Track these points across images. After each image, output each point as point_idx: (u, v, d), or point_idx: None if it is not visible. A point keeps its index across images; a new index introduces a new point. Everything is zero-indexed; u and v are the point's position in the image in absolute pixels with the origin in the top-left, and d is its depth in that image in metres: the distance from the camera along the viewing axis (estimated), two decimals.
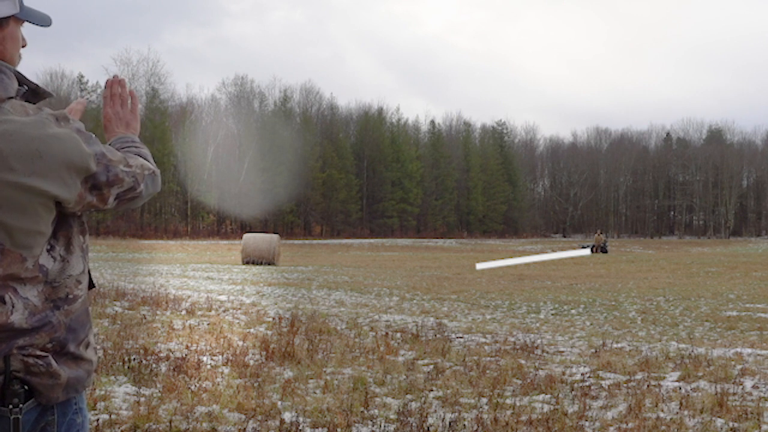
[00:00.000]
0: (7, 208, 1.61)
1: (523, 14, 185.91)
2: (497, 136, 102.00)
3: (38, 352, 1.68)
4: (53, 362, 1.70)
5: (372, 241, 68.99)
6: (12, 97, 1.69)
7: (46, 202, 1.65)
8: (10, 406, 1.67)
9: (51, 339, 1.70)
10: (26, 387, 1.69)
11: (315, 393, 6.05)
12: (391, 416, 5.30)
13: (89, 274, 1.85)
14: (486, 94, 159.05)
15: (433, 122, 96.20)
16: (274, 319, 10.87)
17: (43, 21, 1.85)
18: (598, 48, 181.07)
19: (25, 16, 1.80)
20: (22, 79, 1.77)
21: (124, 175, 1.78)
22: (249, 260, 30.46)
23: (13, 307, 1.65)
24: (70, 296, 1.74)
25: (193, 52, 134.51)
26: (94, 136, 1.75)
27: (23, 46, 1.85)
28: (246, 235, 32.09)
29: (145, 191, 1.87)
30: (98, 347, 1.96)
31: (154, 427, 4.79)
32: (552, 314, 13.50)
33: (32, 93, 1.80)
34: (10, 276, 1.64)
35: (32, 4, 1.87)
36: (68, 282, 1.74)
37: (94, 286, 1.89)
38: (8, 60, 1.77)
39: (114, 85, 2.04)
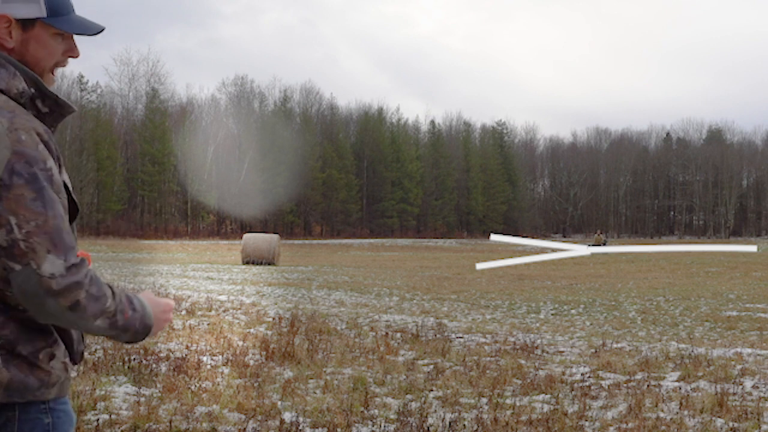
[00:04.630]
0: None
1: (514, 15, 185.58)
2: (497, 137, 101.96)
3: None
4: None
5: (372, 241, 69.02)
6: (1, 91, 1.66)
7: None
8: None
9: None
10: None
11: (315, 393, 6.04)
12: (391, 416, 5.30)
13: None
14: (484, 95, 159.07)
15: (433, 122, 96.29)
16: (274, 319, 10.87)
17: (87, 30, 1.77)
18: (596, 49, 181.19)
19: (57, 24, 1.73)
20: (36, 82, 1.71)
21: (14, 227, 1.56)
22: (249, 260, 30.47)
23: None
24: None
25: (187, 54, 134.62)
26: (37, 170, 1.59)
27: (73, 57, 1.79)
28: (246, 235, 32.11)
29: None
30: (74, 367, 1.92)
31: (154, 427, 4.79)
32: (552, 314, 13.49)
33: (54, 103, 1.75)
34: None
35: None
36: None
37: None
38: (32, 63, 1.73)
39: None
